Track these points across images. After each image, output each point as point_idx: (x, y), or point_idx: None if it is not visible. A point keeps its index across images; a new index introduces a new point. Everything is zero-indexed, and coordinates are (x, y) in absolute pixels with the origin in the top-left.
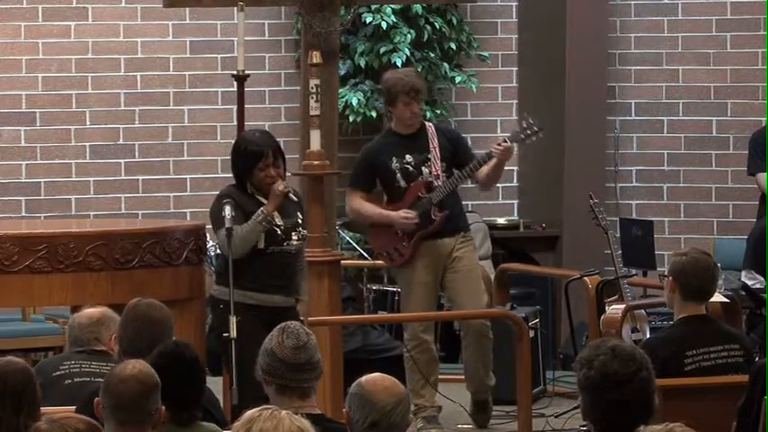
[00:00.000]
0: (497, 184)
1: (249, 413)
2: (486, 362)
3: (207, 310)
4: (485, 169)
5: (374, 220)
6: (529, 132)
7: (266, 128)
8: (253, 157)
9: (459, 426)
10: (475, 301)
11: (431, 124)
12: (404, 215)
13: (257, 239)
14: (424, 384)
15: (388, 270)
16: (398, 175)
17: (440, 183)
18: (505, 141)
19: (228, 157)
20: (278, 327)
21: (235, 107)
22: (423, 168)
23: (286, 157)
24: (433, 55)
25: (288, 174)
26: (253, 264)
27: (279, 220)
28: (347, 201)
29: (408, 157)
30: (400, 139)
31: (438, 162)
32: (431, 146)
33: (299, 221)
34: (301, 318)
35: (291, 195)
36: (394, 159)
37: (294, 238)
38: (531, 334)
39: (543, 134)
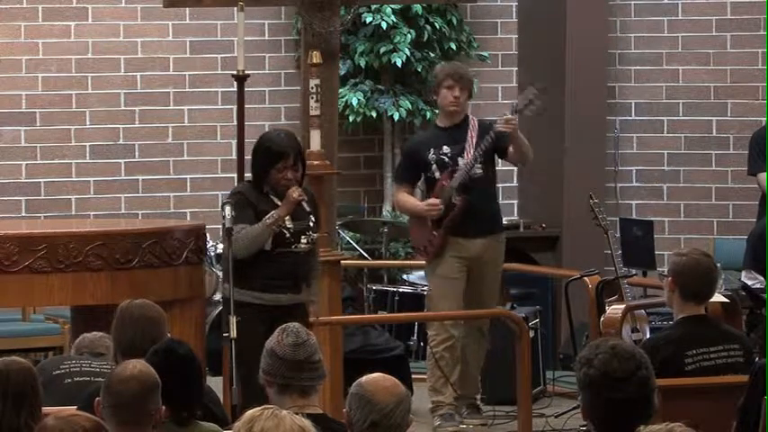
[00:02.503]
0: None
1: (250, 412)
2: (479, 363)
3: (206, 309)
4: (509, 148)
5: (411, 213)
6: (527, 102)
7: (266, 128)
8: (273, 156)
9: (461, 426)
10: (490, 307)
11: (475, 118)
12: (428, 203)
13: (266, 242)
14: (444, 383)
15: (389, 270)
16: (434, 166)
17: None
18: (505, 114)
19: (229, 157)
20: (279, 327)
21: (235, 107)
22: (458, 159)
23: None
24: (433, 55)
25: None
26: (259, 264)
27: (289, 223)
28: (393, 196)
29: (446, 149)
30: (441, 131)
31: (471, 150)
32: (468, 135)
33: (310, 225)
34: (311, 319)
35: (305, 205)
36: (431, 150)
37: (303, 241)
38: (531, 334)
39: (545, 102)
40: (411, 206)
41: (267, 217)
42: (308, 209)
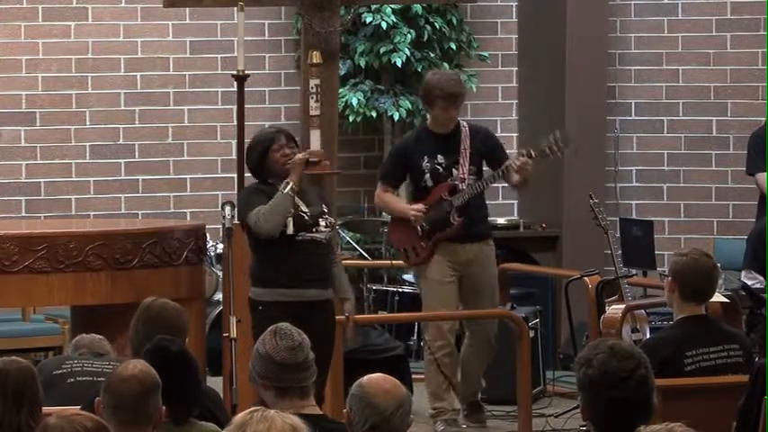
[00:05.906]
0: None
1: (240, 417)
2: (483, 367)
3: (206, 309)
4: (515, 176)
5: (394, 213)
6: (555, 148)
7: (266, 128)
8: (265, 142)
9: (463, 426)
10: (488, 309)
11: (465, 124)
12: (415, 208)
13: (288, 210)
14: (447, 388)
15: (388, 270)
16: (427, 175)
17: (464, 187)
18: (526, 155)
19: (229, 157)
20: (269, 330)
21: (235, 107)
22: (453, 170)
23: None
24: (433, 55)
25: None
26: (286, 258)
27: (305, 208)
28: (376, 191)
29: (440, 158)
30: (434, 138)
31: (467, 165)
32: (461, 147)
33: (324, 210)
34: (346, 314)
35: (316, 197)
36: (425, 158)
37: (322, 224)
38: (531, 334)
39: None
40: (396, 207)
41: (282, 186)
42: (318, 197)
